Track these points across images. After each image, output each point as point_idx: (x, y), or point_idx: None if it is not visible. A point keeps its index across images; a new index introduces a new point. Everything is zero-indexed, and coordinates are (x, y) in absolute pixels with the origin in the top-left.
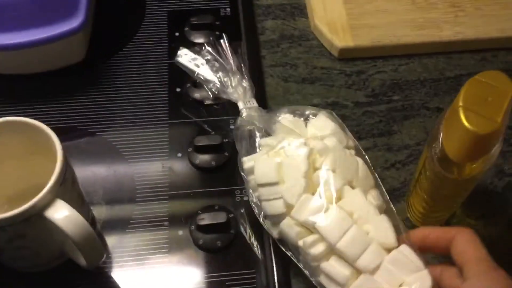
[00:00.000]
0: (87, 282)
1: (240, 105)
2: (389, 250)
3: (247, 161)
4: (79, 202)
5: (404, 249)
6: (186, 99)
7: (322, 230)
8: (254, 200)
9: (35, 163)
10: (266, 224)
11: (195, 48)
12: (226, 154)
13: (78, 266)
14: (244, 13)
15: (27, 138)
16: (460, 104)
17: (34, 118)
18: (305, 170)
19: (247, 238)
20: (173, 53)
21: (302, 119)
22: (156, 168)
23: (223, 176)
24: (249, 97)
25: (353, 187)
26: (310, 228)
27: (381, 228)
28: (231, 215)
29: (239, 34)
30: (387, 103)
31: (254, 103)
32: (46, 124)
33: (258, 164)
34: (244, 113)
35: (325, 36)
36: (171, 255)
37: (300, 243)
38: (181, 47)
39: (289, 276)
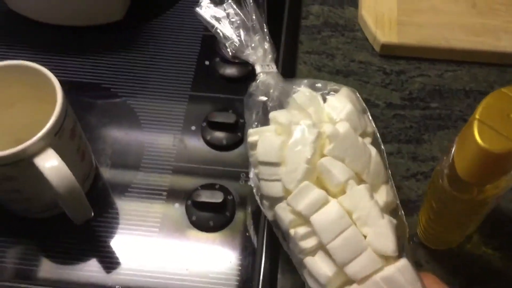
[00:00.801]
0: (76, 237)
1: (258, 68)
2: (386, 259)
3: (252, 134)
4: (78, 156)
5: (403, 265)
6: (213, 73)
7: (316, 226)
8: (253, 176)
9: (44, 110)
10: (263, 204)
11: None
12: (239, 134)
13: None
14: None
15: (34, 84)
16: (477, 116)
17: (62, 70)
18: (310, 155)
19: (242, 223)
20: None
21: (320, 94)
22: (168, 138)
23: (232, 156)
24: (268, 60)
25: (362, 181)
26: (303, 220)
27: (381, 234)
28: (229, 197)
29: (282, 15)
30: (422, 109)
31: (274, 68)
32: (73, 77)
33: (262, 140)
34: (261, 79)
35: (369, 28)
36: (163, 225)
37: (292, 232)
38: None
39: (276, 272)
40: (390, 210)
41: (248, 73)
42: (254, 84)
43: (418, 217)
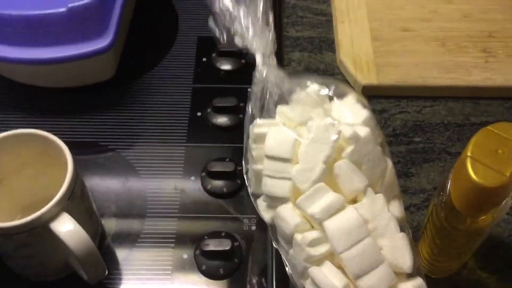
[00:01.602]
0: None
1: (258, 58)
2: (401, 276)
3: (261, 126)
4: (88, 216)
5: (420, 285)
6: (206, 123)
7: (330, 232)
8: (250, 172)
9: (50, 174)
10: (259, 204)
11: None
12: (239, 182)
13: (83, 279)
14: None
15: (43, 151)
16: (468, 154)
17: (59, 131)
18: (328, 155)
19: (250, 269)
20: (198, 77)
21: (327, 94)
22: (169, 188)
23: (233, 203)
24: (269, 52)
25: (375, 192)
26: (314, 224)
27: (398, 248)
28: (236, 243)
29: None
30: (407, 144)
31: (274, 61)
32: (70, 138)
33: (273, 133)
34: (262, 70)
35: (350, 71)
36: (174, 277)
37: (298, 237)
38: None
39: None
40: (400, 226)
41: (240, 122)
42: (257, 74)
43: (417, 249)
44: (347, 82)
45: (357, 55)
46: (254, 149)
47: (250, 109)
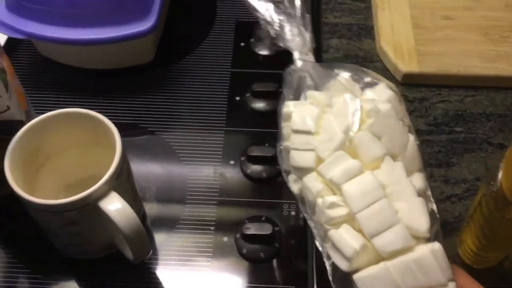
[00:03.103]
0: (131, 276)
1: (296, 55)
2: (417, 239)
3: (288, 106)
4: (132, 196)
5: (437, 249)
6: (245, 108)
7: (347, 194)
8: (282, 150)
9: (94, 154)
10: (289, 179)
11: None
12: (278, 167)
13: (125, 258)
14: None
15: (89, 130)
16: None
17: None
18: (348, 125)
19: (290, 253)
20: (236, 62)
21: (359, 85)
22: (208, 172)
23: (272, 188)
24: (307, 50)
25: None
26: (334, 189)
27: (415, 211)
28: (276, 228)
29: None
30: (448, 133)
31: (311, 58)
32: (110, 119)
33: (298, 109)
34: (299, 63)
35: (390, 59)
36: (214, 259)
37: (319, 201)
38: None
39: None
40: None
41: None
42: (293, 65)
43: (459, 239)
44: (386, 70)
45: (397, 42)
46: (284, 127)
47: (284, 95)
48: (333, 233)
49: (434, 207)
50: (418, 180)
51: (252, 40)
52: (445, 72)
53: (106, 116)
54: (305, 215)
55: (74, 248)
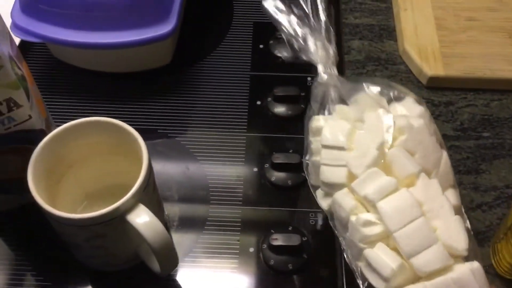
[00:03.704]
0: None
1: (320, 68)
2: (455, 258)
3: (317, 120)
4: (157, 206)
5: (477, 269)
6: (266, 113)
7: (383, 212)
8: (309, 164)
9: (115, 162)
10: (317, 195)
11: None
12: (303, 174)
13: (148, 269)
14: None
15: (113, 139)
16: None
17: (116, 117)
18: (382, 141)
19: (319, 264)
20: (255, 65)
21: (385, 99)
22: (231, 180)
23: (298, 196)
24: (331, 63)
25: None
26: (367, 207)
27: (453, 230)
28: (304, 239)
29: None
30: (476, 139)
31: (335, 71)
32: (128, 124)
33: (329, 125)
34: (325, 77)
35: (415, 62)
36: (240, 270)
37: (353, 218)
38: None
39: None
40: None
41: (301, 112)
42: (319, 77)
43: (492, 250)
44: (410, 72)
45: (422, 44)
46: (312, 142)
47: (311, 109)
48: (369, 252)
49: (468, 224)
50: (453, 196)
51: (271, 42)
52: (471, 75)
53: (123, 121)
54: (335, 231)
55: (97, 260)
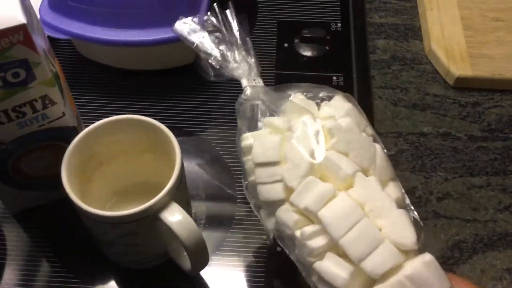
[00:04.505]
0: (191, 283)
1: (244, 82)
2: (407, 254)
3: (247, 138)
4: (187, 205)
5: (429, 260)
6: None
7: (325, 220)
8: (248, 186)
9: (144, 160)
10: (261, 215)
11: (194, 18)
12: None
13: (176, 267)
14: (356, 30)
15: (144, 136)
16: None
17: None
18: (312, 148)
19: None
20: (280, 64)
21: (314, 102)
22: None
23: None
24: (254, 75)
25: (368, 176)
26: (311, 218)
27: (399, 225)
28: None
29: (349, 51)
30: (503, 140)
31: (260, 82)
32: None
33: (258, 140)
34: (248, 91)
35: (442, 62)
36: (267, 271)
37: (298, 233)
38: (180, 16)
39: None
40: (400, 208)
41: None
42: (243, 94)
43: None
44: (436, 72)
45: (449, 44)
46: (246, 162)
47: (239, 128)
48: (318, 264)
49: (416, 214)
50: (394, 190)
51: (296, 41)
52: (499, 76)
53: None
54: (286, 250)
55: (127, 257)
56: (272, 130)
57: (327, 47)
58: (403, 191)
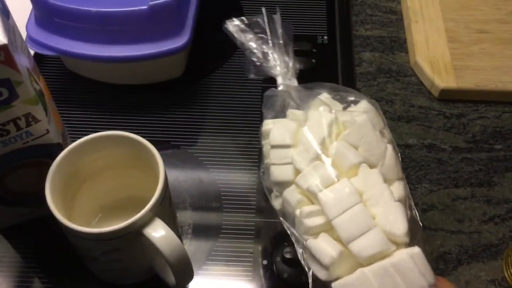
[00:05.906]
0: None
1: (279, 80)
2: (398, 245)
3: (267, 124)
4: (173, 220)
5: (416, 253)
6: None
7: (323, 201)
8: (264, 169)
9: (129, 175)
10: (272, 196)
11: (245, 18)
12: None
13: (162, 282)
14: (342, 43)
15: (128, 152)
16: None
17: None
18: (323, 136)
19: None
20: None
21: (341, 105)
22: (243, 190)
23: None
24: (290, 75)
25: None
26: (311, 199)
27: (392, 215)
28: None
29: (335, 64)
30: (487, 151)
31: (295, 82)
32: (140, 136)
33: (276, 126)
34: (281, 87)
35: (426, 74)
36: (253, 284)
37: (297, 212)
38: (232, 18)
39: None
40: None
41: None
42: (274, 89)
43: (505, 262)
44: (422, 84)
45: (433, 57)
46: (264, 146)
47: (264, 115)
48: (311, 242)
49: (417, 215)
50: (398, 188)
51: None
52: (483, 88)
53: (136, 133)
54: (287, 229)
55: (112, 273)
56: (293, 119)
57: (313, 60)
58: (408, 191)
